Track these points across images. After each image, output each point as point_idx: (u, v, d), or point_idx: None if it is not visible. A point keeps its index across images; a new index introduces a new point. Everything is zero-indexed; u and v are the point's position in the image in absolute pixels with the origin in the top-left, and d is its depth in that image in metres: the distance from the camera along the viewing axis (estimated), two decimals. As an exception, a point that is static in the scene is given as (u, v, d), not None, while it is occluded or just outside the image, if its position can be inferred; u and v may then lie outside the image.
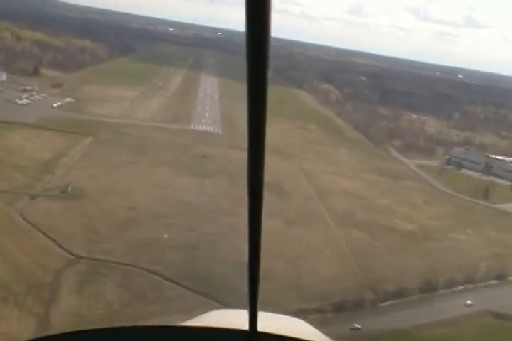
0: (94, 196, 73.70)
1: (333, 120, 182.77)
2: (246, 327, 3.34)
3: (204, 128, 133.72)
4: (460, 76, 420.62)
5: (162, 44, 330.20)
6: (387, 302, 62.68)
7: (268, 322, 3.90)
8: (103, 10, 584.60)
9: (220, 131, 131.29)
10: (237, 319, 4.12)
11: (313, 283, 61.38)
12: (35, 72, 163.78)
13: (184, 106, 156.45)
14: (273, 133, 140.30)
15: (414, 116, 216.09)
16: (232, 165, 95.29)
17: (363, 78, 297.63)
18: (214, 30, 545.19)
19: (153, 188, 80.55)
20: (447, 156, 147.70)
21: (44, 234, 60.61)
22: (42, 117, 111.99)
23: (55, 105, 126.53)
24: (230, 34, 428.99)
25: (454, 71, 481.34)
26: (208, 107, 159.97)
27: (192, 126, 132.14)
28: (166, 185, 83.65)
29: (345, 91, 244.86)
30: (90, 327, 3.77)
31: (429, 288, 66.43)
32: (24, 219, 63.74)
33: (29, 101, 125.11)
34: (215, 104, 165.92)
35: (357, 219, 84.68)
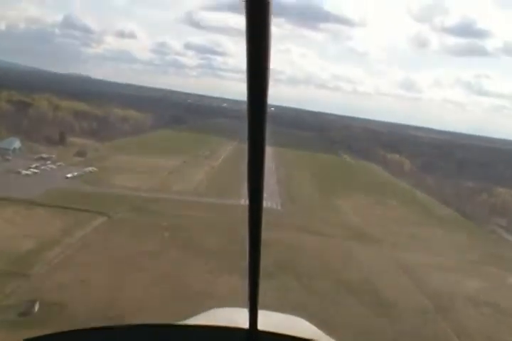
0: (76, 320, 43.09)
1: (413, 193, 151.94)
2: (246, 325, 3.28)
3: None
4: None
5: (214, 117, 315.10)
6: None
7: (268, 320, 3.80)
8: (159, 89, 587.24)
9: (279, 207, 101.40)
10: (237, 317, 4.13)
11: None
12: (62, 140, 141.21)
13: (233, 177, 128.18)
14: (348, 210, 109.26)
15: (503, 190, 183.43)
16: (301, 257, 64.97)
17: (429, 149, 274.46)
18: (268, 105, 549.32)
19: (180, 300, 49.55)
20: None
21: None
22: (46, 190, 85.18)
23: (69, 175, 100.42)
24: (283, 110, 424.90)
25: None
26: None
27: (242, 201, 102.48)
28: (200, 291, 52.78)
29: (416, 161, 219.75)
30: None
31: None
32: None
33: (36, 171, 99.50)
34: (272, 174, 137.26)
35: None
